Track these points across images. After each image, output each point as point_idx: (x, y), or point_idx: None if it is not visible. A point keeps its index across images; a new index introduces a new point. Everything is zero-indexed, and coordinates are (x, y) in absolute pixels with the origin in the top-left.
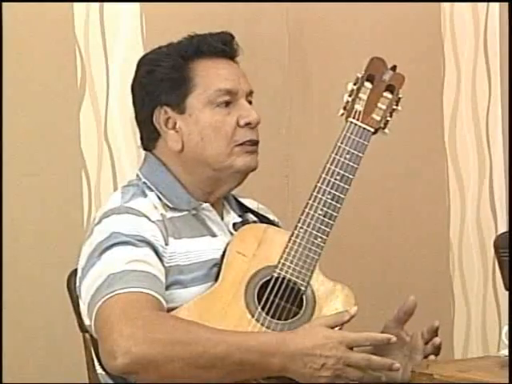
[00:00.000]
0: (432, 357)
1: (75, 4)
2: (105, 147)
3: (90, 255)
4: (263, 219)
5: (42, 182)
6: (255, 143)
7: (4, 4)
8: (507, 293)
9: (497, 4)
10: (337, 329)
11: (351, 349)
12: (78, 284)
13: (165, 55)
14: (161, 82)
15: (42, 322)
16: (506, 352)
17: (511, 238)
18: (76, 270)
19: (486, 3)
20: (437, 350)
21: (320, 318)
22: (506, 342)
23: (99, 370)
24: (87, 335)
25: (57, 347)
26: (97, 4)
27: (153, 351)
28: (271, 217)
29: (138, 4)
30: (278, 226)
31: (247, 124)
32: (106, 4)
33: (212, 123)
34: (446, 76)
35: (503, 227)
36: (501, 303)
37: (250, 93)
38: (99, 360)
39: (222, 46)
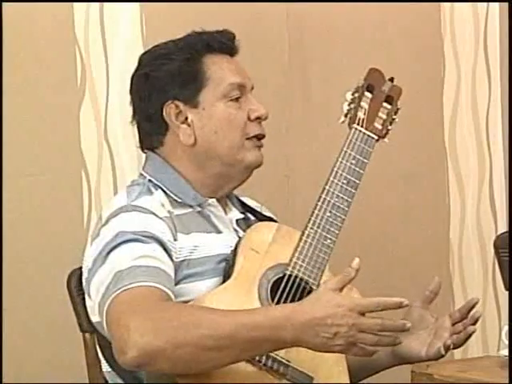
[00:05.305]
0: (471, 327)
1: (75, 4)
2: (105, 147)
3: (98, 255)
4: (262, 218)
5: (42, 182)
6: (263, 137)
7: (4, 4)
8: (507, 293)
9: (497, 4)
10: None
11: (363, 315)
12: (84, 284)
13: (177, 49)
14: (173, 76)
15: (42, 322)
16: (505, 352)
17: (511, 238)
18: (76, 270)
19: (485, 3)
20: (475, 323)
21: (327, 282)
22: (506, 342)
23: (105, 368)
24: (87, 335)
25: (57, 347)
26: (97, 4)
27: (159, 340)
28: (268, 214)
29: (137, 4)
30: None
31: (257, 118)
32: (105, 4)
33: (226, 116)
34: (446, 76)
35: (503, 227)
36: (501, 303)
37: (252, 88)
38: (105, 358)
39: (230, 43)
